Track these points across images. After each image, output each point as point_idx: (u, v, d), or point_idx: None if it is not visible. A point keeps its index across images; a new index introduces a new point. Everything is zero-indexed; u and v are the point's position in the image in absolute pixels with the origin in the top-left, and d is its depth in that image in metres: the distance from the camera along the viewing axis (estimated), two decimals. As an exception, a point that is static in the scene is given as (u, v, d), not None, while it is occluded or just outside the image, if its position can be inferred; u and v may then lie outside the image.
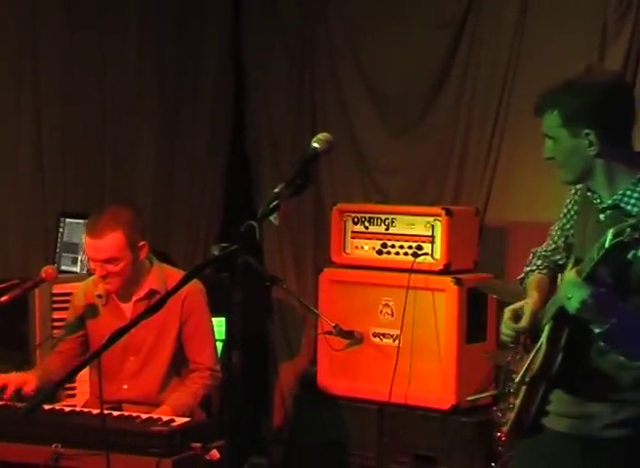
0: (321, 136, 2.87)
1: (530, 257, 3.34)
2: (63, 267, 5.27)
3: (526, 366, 3.04)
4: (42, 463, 3.64)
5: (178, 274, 4.24)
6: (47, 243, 5.51)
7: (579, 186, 3.12)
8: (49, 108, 5.59)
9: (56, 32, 5.61)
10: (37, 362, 4.68)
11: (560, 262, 3.21)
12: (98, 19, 5.79)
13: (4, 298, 4.20)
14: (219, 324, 4.48)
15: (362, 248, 5.37)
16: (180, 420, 3.78)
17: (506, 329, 3.09)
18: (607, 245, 2.62)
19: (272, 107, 6.35)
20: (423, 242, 5.15)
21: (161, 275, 4.26)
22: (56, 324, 4.77)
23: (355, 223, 5.38)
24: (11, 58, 5.48)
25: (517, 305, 3.11)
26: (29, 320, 4.79)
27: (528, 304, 3.09)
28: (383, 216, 5.30)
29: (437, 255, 5.11)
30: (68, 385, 4.70)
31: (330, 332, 5.08)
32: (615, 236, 2.60)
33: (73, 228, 5.31)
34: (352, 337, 5.10)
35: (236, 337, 2.90)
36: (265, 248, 6.24)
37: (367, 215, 5.35)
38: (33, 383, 4.10)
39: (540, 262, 3.27)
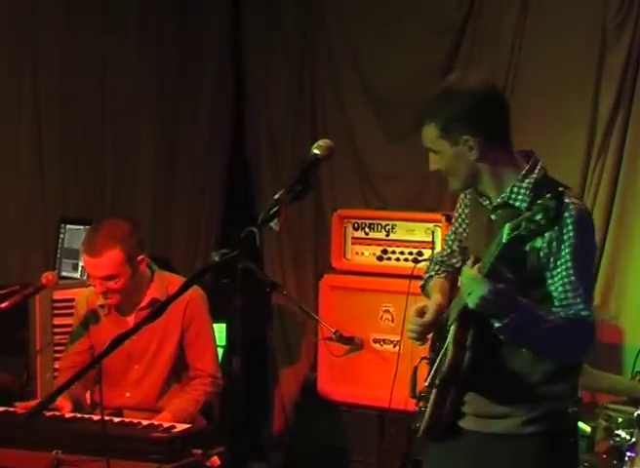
0: (321, 142, 2.88)
1: (428, 265, 3.39)
2: (64, 273, 5.27)
3: (434, 368, 3.08)
4: (43, 469, 3.64)
5: (179, 281, 4.22)
6: (47, 249, 5.51)
7: (468, 190, 3.16)
8: (48, 109, 5.60)
9: (55, 32, 5.61)
10: (37, 368, 4.68)
11: (457, 265, 3.26)
12: (97, 18, 5.79)
13: (4, 304, 4.19)
14: (219, 330, 4.48)
15: (362, 254, 5.37)
16: (180, 427, 3.78)
17: (412, 324, 3.12)
18: (504, 239, 2.68)
19: (272, 109, 6.36)
20: (424, 248, 5.15)
21: (162, 283, 4.25)
22: (56, 330, 4.77)
23: (355, 229, 5.39)
24: (11, 59, 5.49)
25: (421, 304, 3.15)
26: (30, 326, 4.79)
27: (431, 301, 3.14)
28: (384, 222, 5.31)
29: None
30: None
31: (330, 338, 5.07)
32: (511, 230, 2.66)
33: (73, 234, 5.31)
34: (352, 343, 5.09)
35: (236, 343, 2.90)
36: (266, 253, 6.24)
37: (367, 221, 5.35)
38: (69, 407, 4.06)
39: (437, 267, 3.32)
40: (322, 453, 5.37)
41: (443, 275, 3.29)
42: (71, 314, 4.46)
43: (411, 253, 5.18)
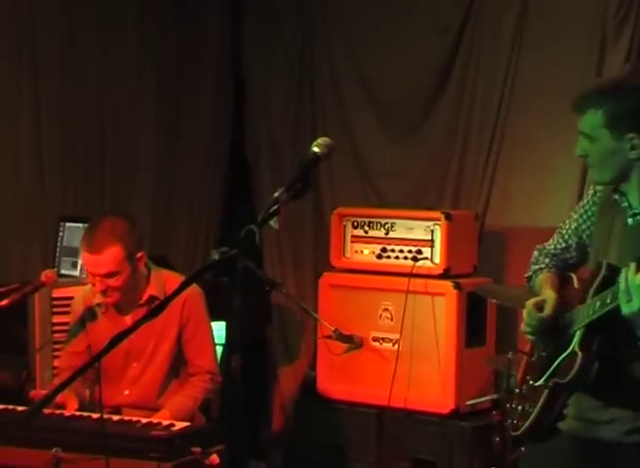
0: (321, 140, 2.87)
1: (535, 255, 3.31)
2: (63, 271, 5.26)
3: (550, 370, 3.00)
4: (42, 467, 3.64)
5: (176, 278, 4.24)
6: (46, 247, 5.51)
7: (599, 188, 3.11)
8: (48, 108, 5.59)
9: (55, 31, 5.60)
10: (37, 366, 4.68)
11: (570, 261, 3.20)
12: (96, 17, 5.78)
13: (4, 302, 4.19)
14: (218, 328, 4.48)
15: (362, 252, 5.37)
16: (179, 425, 3.77)
17: (530, 319, 3.05)
18: None
19: (272, 108, 6.36)
20: (423, 246, 5.15)
21: (159, 281, 4.25)
22: (56, 328, 4.77)
23: (355, 228, 5.39)
24: (10, 58, 5.48)
25: (538, 298, 3.08)
26: (29, 324, 4.78)
27: (549, 297, 3.06)
28: (383, 221, 5.31)
29: (437, 260, 5.11)
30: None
31: (329, 337, 5.08)
32: None
33: (73, 232, 5.30)
34: (352, 342, 5.09)
35: (236, 341, 2.90)
36: (265, 252, 6.25)
37: (366, 220, 5.36)
38: (74, 403, 4.05)
39: (548, 260, 3.25)
40: (321, 452, 5.37)
41: (553, 270, 3.21)
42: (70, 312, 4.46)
43: (410, 252, 5.18)
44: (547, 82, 5.31)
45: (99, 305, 4.27)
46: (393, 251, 5.27)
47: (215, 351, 4.34)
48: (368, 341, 5.22)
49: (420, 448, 5.10)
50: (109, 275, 4.08)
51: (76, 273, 5.23)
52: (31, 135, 5.55)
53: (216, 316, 4.37)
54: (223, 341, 4.71)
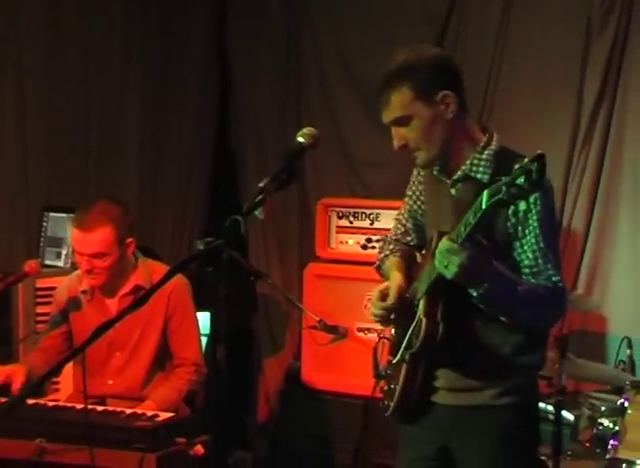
0: (306, 130, 2.87)
1: (380, 245, 3.43)
2: (47, 261, 5.24)
3: (405, 344, 3.09)
4: (26, 458, 3.63)
5: (163, 269, 4.24)
6: (30, 237, 5.48)
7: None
8: (33, 98, 5.56)
9: (39, 26, 5.57)
10: (20, 356, 4.67)
11: (412, 243, 3.31)
12: (81, 6, 5.75)
13: (-13, 292, 4.18)
14: (203, 318, 4.47)
15: (347, 242, 5.37)
16: (164, 415, 3.77)
17: (375, 308, 3.14)
18: (484, 205, 2.65)
19: (257, 98, 6.35)
20: (408, 236, 5.14)
21: (146, 270, 4.25)
22: (39, 318, 4.76)
23: (340, 218, 5.39)
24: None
25: (382, 286, 3.17)
26: (13, 314, 4.77)
27: (392, 283, 3.15)
28: (368, 211, 5.31)
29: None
30: (52, 380, 4.68)
31: (314, 327, 5.08)
32: (491, 196, 2.63)
33: (57, 222, 5.29)
34: (337, 332, 5.09)
35: (221, 332, 2.89)
36: (250, 242, 6.24)
37: (352, 210, 5.36)
38: (22, 377, 4.06)
39: (392, 246, 3.34)
40: (306, 442, 5.38)
41: (398, 254, 3.30)
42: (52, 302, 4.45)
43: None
44: (532, 71, 5.31)
45: (84, 292, 4.27)
46: (378, 241, 5.25)
47: (200, 343, 4.34)
48: (353, 332, 5.23)
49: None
50: (97, 255, 4.09)
51: (60, 263, 5.21)
52: (15, 125, 5.52)
53: (200, 306, 4.36)
54: (208, 332, 4.70)
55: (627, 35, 5.04)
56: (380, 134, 5.90)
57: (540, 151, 2.62)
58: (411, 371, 3.06)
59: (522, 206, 2.88)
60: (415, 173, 3.24)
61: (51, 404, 3.97)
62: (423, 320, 2.96)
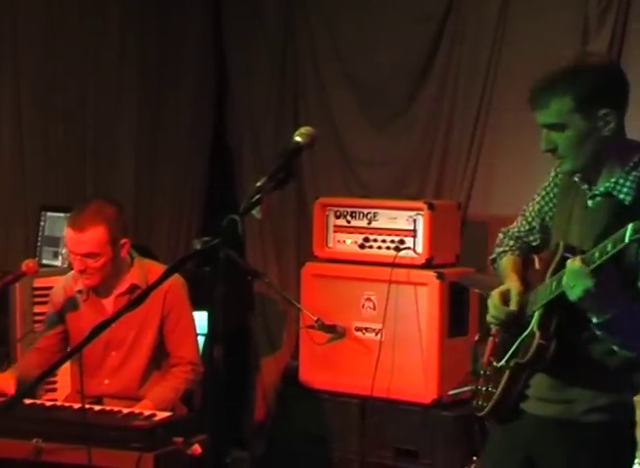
0: (303, 129, 2.86)
1: (500, 237, 3.32)
2: (45, 261, 5.24)
3: (511, 351, 3.04)
4: (23, 458, 3.62)
5: (159, 268, 4.23)
6: (27, 236, 5.48)
7: (559, 169, 3.10)
8: (29, 97, 5.55)
9: (36, 23, 5.56)
10: (18, 356, 4.66)
11: (533, 243, 3.22)
12: (78, 8, 5.75)
13: (-16, 292, 4.18)
14: (200, 318, 4.47)
15: (344, 242, 5.37)
16: (161, 415, 3.77)
17: (498, 312, 3.06)
18: (627, 240, 2.58)
19: (254, 97, 6.34)
20: (406, 236, 5.15)
21: (142, 270, 4.25)
22: (37, 318, 4.75)
23: (337, 217, 5.38)
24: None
25: (503, 288, 3.09)
26: (10, 314, 4.77)
27: (513, 287, 3.08)
28: (366, 210, 5.30)
29: (419, 249, 5.11)
30: (49, 380, 4.68)
31: (312, 327, 5.08)
32: (635, 231, 2.56)
33: (54, 222, 5.28)
34: (334, 331, 5.10)
35: (218, 331, 2.89)
36: (247, 242, 6.24)
37: (349, 209, 5.35)
38: (12, 386, 4.04)
39: (512, 243, 3.26)
40: (304, 441, 5.37)
41: (517, 252, 3.22)
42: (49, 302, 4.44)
43: (393, 242, 5.18)
44: (530, 70, 5.30)
45: (80, 292, 4.26)
46: (376, 240, 5.26)
47: (196, 342, 4.34)
48: (350, 331, 5.22)
49: (403, 437, 5.11)
50: (90, 255, 4.09)
51: (57, 263, 5.21)
52: (12, 125, 5.52)
53: (198, 306, 4.36)
54: (205, 331, 4.69)
55: (624, 34, 5.04)
56: (377, 133, 5.95)
57: None
58: (513, 380, 3.03)
59: None
60: (552, 173, 3.16)
61: (48, 403, 3.97)
62: (537, 333, 2.92)
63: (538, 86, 2.94)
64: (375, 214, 5.27)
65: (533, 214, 3.22)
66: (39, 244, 5.33)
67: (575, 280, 2.72)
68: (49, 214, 5.34)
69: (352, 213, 5.34)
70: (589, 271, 2.69)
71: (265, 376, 6.08)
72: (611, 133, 2.88)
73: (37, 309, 4.78)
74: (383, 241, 5.22)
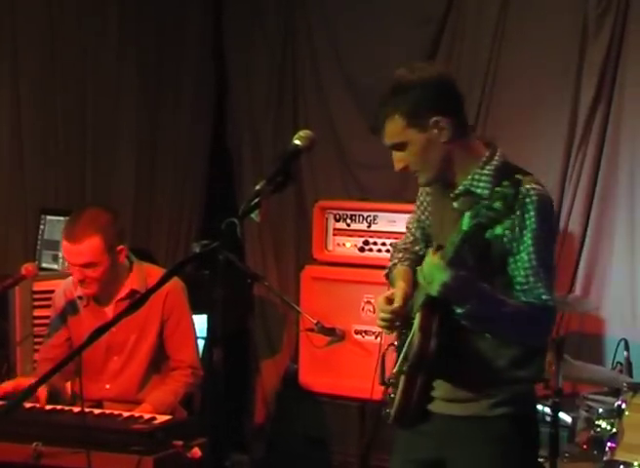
0: (302, 132, 2.87)
1: (391, 251, 3.42)
2: (44, 264, 5.24)
3: (402, 355, 3.10)
4: (22, 462, 3.62)
5: (158, 272, 4.21)
6: (27, 240, 5.48)
7: None
8: (28, 102, 5.54)
9: (35, 24, 5.56)
10: (17, 360, 4.66)
11: (420, 253, 3.28)
12: (77, 8, 5.75)
13: (-16, 296, 4.18)
14: (200, 321, 4.46)
15: (344, 245, 5.37)
16: (161, 418, 3.77)
17: (382, 312, 3.12)
18: (465, 227, 2.73)
19: (253, 99, 6.35)
20: (405, 239, 5.14)
21: (141, 274, 4.24)
22: (37, 321, 4.74)
23: (337, 220, 5.38)
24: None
25: (387, 293, 3.16)
26: (10, 317, 4.76)
27: (397, 289, 3.15)
28: (365, 214, 5.31)
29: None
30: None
31: (311, 330, 5.08)
32: (471, 218, 2.71)
33: (54, 225, 5.28)
34: (334, 334, 5.09)
35: (217, 334, 2.89)
36: (247, 245, 6.24)
37: (349, 213, 5.35)
38: (44, 395, 4.03)
39: (400, 255, 3.34)
40: (303, 444, 5.37)
41: (406, 263, 3.30)
42: (52, 305, 4.44)
43: (392, 245, 5.17)
44: (529, 72, 5.32)
45: (80, 298, 4.26)
46: (375, 243, 5.27)
47: (196, 345, 4.33)
48: (350, 334, 5.22)
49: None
50: (87, 265, 4.07)
51: (57, 266, 5.21)
52: (11, 127, 5.51)
53: (197, 309, 4.35)
54: (205, 334, 4.70)
55: (623, 35, 5.05)
56: (375, 136, 5.93)
57: (518, 176, 2.71)
58: (408, 382, 3.07)
59: (518, 221, 2.89)
60: None
61: (48, 407, 3.96)
62: (417, 334, 2.98)
63: (376, 111, 3.06)
64: (374, 218, 5.28)
65: (414, 224, 3.34)
66: (39, 247, 5.33)
67: (432, 274, 2.84)
68: (48, 217, 5.34)
69: (352, 216, 5.34)
70: (442, 264, 2.80)
71: (265, 379, 6.08)
72: (448, 138, 2.96)
73: (37, 313, 4.77)
74: (383, 244, 5.22)
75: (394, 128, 2.98)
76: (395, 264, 3.33)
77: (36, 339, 4.69)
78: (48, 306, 4.48)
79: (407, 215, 5.02)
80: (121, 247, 4.16)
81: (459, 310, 2.88)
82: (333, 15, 6.04)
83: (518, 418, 3.07)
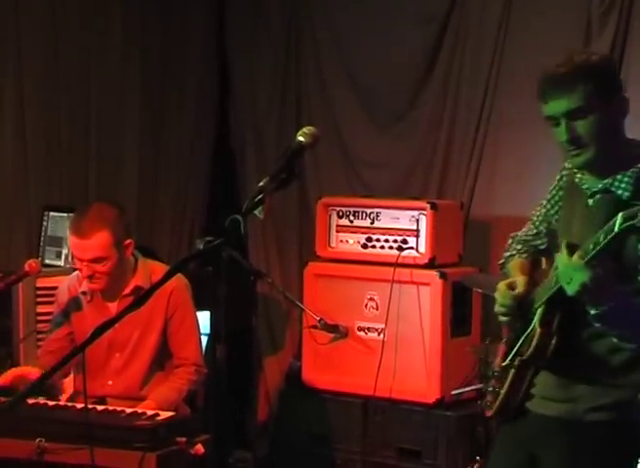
0: (306, 129, 2.86)
1: (509, 242, 3.35)
2: (47, 261, 5.24)
3: (515, 349, 3.05)
4: (26, 458, 3.62)
5: (162, 269, 4.22)
6: (30, 236, 5.48)
7: (564, 172, 3.14)
8: (32, 97, 5.54)
9: (38, 23, 5.56)
10: (21, 356, 4.67)
11: (541, 247, 3.24)
12: (81, 7, 5.75)
13: (-13, 292, 4.18)
14: (203, 318, 4.46)
15: (347, 241, 5.37)
16: (164, 414, 3.77)
17: (504, 298, 3.07)
18: (617, 229, 2.60)
19: (257, 97, 6.34)
20: (408, 236, 5.15)
21: (146, 271, 4.24)
22: (40, 318, 4.75)
23: (340, 217, 5.38)
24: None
25: (509, 280, 3.12)
26: (13, 314, 4.76)
27: (519, 278, 3.10)
28: (368, 210, 5.30)
29: (422, 249, 5.11)
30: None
31: (315, 327, 5.08)
32: (625, 220, 2.58)
33: (57, 222, 5.28)
34: (337, 331, 5.09)
35: (221, 331, 2.89)
36: (250, 242, 6.23)
37: (352, 209, 5.35)
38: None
39: (519, 247, 3.28)
40: (306, 441, 5.38)
41: (525, 255, 3.25)
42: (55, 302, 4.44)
43: (395, 241, 5.18)
44: (533, 71, 5.29)
45: (84, 293, 4.26)
46: (379, 240, 5.26)
47: (200, 343, 4.33)
48: (353, 331, 5.22)
49: (406, 437, 5.11)
50: (96, 260, 4.08)
51: (60, 263, 5.21)
52: (15, 125, 5.51)
53: (200, 306, 4.35)
54: (208, 331, 4.69)
55: (627, 33, 5.03)
56: (380, 133, 5.94)
57: None
58: (518, 377, 3.04)
59: None
60: (557, 177, 3.18)
61: (51, 403, 3.96)
62: (538, 329, 2.94)
63: (558, 72, 2.95)
64: (377, 214, 5.27)
65: (540, 218, 3.24)
66: (42, 244, 5.33)
67: (571, 274, 2.74)
68: (52, 214, 5.34)
69: (355, 212, 5.34)
70: (584, 264, 2.71)
71: (268, 376, 6.09)
72: (624, 116, 2.92)
73: (40, 309, 4.78)
74: (386, 241, 5.22)
75: (586, 92, 2.86)
76: (513, 255, 3.28)
77: (39, 336, 4.70)
78: (51, 303, 4.49)
79: (410, 212, 5.14)
80: (129, 241, 4.19)
81: (592, 311, 2.76)
82: (336, 14, 6.03)
83: (618, 426, 2.97)
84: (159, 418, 3.72)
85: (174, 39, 6.22)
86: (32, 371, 4.04)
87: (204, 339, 4.51)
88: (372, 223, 5.29)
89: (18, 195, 5.53)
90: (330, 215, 5.40)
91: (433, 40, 5.68)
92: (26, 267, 4.29)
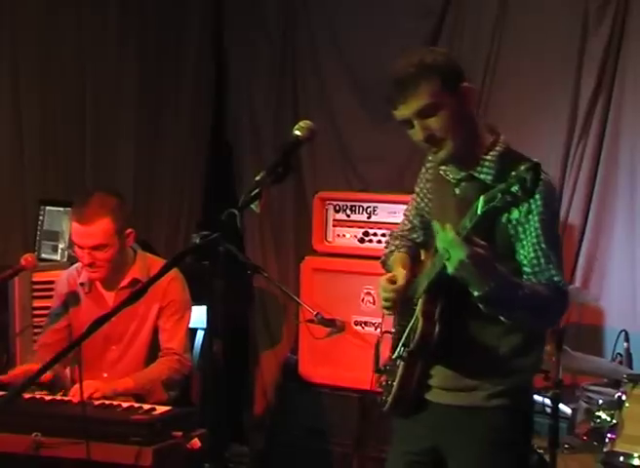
0: (303, 123, 2.86)
1: (387, 239, 3.43)
2: (44, 255, 5.24)
3: (401, 342, 3.11)
4: (22, 452, 3.62)
5: (160, 263, 4.25)
6: (27, 231, 5.48)
7: (429, 165, 3.22)
8: (28, 91, 5.54)
9: (34, 18, 5.54)
10: (18, 350, 4.66)
11: (418, 240, 3.31)
12: (77, 7, 5.74)
13: (-17, 287, 4.18)
14: (199, 312, 4.47)
15: (344, 236, 5.37)
16: (160, 409, 3.77)
17: (386, 292, 3.12)
18: (479, 211, 2.65)
19: (253, 92, 6.33)
20: (405, 230, 5.14)
21: (144, 264, 4.27)
22: (36, 312, 4.75)
23: (337, 211, 5.38)
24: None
25: (388, 275, 3.17)
26: (9, 308, 4.76)
27: (399, 272, 3.15)
28: (365, 205, 5.30)
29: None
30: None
31: (311, 321, 5.07)
32: (486, 202, 2.64)
33: (53, 216, 5.28)
34: (334, 326, 5.09)
35: (217, 326, 2.89)
36: (247, 236, 6.24)
37: (349, 204, 5.35)
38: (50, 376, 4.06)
39: (397, 242, 3.35)
40: (303, 435, 5.37)
41: (404, 250, 3.30)
42: (51, 296, 4.45)
43: (389, 233, 5.17)
44: (529, 65, 5.31)
45: (82, 285, 4.28)
46: (375, 234, 5.26)
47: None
48: (350, 325, 5.22)
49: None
50: (98, 247, 4.11)
51: (57, 257, 5.21)
52: (11, 121, 5.50)
53: (197, 300, 4.36)
54: (205, 325, 4.70)
55: (624, 27, 5.04)
56: (376, 127, 5.93)
57: (536, 160, 2.63)
58: (407, 369, 3.08)
59: (524, 207, 2.85)
60: (423, 170, 3.25)
61: (47, 397, 3.96)
62: (420, 319, 2.97)
63: (399, 78, 2.97)
64: (374, 209, 5.28)
65: (412, 212, 3.33)
66: (38, 238, 5.33)
67: (449, 250, 2.74)
68: (48, 208, 5.33)
69: (352, 207, 5.34)
70: (461, 241, 2.72)
71: (265, 371, 6.08)
72: (472, 105, 2.97)
73: (36, 303, 4.78)
74: (383, 235, 5.22)
75: (431, 88, 2.90)
76: (392, 251, 3.34)
77: (36, 330, 4.70)
78: (47, 297, 4.49)
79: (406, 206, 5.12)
80: (129, 230, 4.23)
81: (476, 293, 2.78)
82: (333, 10, 6.02)
83: (513, 411, 3.07)
84: (155, 413, 3.73)
85: (170, 37, 6.22)
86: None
87: (200, 334, 4.51)
88: (368, 218, 5.29)
89: (14, 189, 5.52)
90: (327, 210, 5.40)
91: (430, 35, 5.67)
92: (22, 261, 4.30)
